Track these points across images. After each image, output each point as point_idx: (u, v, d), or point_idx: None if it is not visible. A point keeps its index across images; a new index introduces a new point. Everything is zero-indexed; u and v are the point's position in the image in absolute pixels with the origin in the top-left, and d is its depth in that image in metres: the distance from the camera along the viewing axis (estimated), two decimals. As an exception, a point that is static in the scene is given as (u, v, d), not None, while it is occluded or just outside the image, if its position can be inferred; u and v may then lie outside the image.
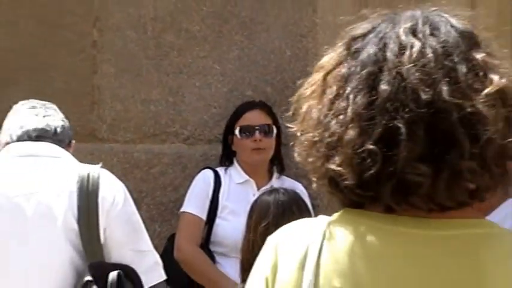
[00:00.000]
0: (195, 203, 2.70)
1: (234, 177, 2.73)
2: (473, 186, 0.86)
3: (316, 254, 0.93)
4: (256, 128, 2.70)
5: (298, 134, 0.97)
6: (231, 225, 2.63)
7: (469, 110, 0.84)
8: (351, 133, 0.87)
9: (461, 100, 0.85)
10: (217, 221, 2.72)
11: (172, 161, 2.91)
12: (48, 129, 2.27)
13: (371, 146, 0.86)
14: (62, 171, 2.19)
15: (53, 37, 3.13)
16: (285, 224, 1.69)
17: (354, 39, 0.93)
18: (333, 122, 0.89)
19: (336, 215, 0.96)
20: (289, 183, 2.63)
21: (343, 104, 0.89)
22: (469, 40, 0.90)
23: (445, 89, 0.85)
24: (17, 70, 3.15)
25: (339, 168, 0.88)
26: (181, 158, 2.92)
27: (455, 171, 0.85)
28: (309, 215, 2.28)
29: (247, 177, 2.70)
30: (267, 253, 1.02)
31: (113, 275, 2.12)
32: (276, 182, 2.66)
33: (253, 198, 2.48)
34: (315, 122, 0.93)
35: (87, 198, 2.18)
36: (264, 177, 2.71)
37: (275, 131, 2.69)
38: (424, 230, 0.89)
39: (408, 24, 0.91)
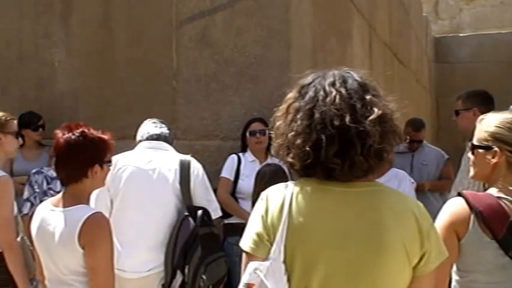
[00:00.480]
0: (227, 172, 3.70)
1: (247, 158, 3.72)
2: (363, 168, 1.36)
3: (288, 202, 1.39)
4: (257, 131, 3.69)
5: (273, 138, 1.47)
6: (246, 183, 3.58)
7: (361, 128, 1.34)
8: (298, 141, 1.37)
9: (356, 124, 1.34)
10: (239, 181, 3.68)
11: (216, 150, 3.92)
12: (162, 134, 3.19)
13: (308, 148, 1.35)
14: (170, 157, 3.06)
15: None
16: (274, 182, 2.94)
17: (303, 86, 1.46)
18: (290, 134, 1.40)
19: (297, 181, 1.43)
20: (276, 160, 2.92)
21: (295, 124, 1.39)
22: (364, 87, 1.41)
23: (348, 118, 1.35)
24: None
25: (292, 160, 1.39)
26: (220, 148, 3.91)
27: (352, 161, 1.35)
28: (287, 178, 2.91)
29: (254, 157, 3.71)
30: (261, 201, 1.45)
31: (199, 212, 2.98)
32: (269, 159, 3.57)
33: (258, 168, 3.41)
34: (281, 132, 1.44)
35: (184, 172, 3.00)
36: (263, 157, 3.70)
37: (267, 132, 3.57)
38: (343, 187, 1.39)
39: (330, 80, 1.41)
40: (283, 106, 1.47)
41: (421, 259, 1.39)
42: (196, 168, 3.07)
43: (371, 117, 1.36)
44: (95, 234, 2.06)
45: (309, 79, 1.47)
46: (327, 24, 4.57)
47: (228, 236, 3.47)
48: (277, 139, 1.45)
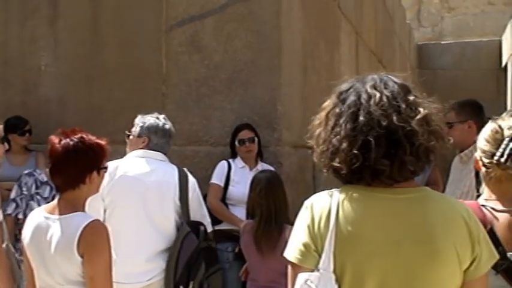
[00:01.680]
0: (217, 178, 3.67)
1: (237, 164, 3.70)
2: (412, 169, 1.35)
3: (335, 209, 1.37)
4: (246, 140, 3.67)
5: (314, 146, 1.44)
6: (237, 190, 3.61)
7: (408, 128, 1.34)
8: (344, 145, 1.36)
9: (403, 123, 1.34)
10: (229, 187, 3.65)
11: (206, 155, 3.91)
12: (171, 129, 3.17)
13: (356, 151, 1.34)
14: (168, 170, 3.02)
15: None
16: (270, 188, 3.12)
17: (341, 92, 1.44)
18: (334, 139, 1.38)
19: (342, 188, 1.41)
20: (266, 165, 3.64)
21: (338, 129, 1.38)
22: (405, 89, 1.41)
23: (394, 118, 1.34)
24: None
25: (338, 165, 1.37)
26: (210, 154, 3.89)
27: (402, 162, 1.34)
28: (282, 184, 3.21)
29: (244, 164, 3.70)
30: (306, 210, 1.42)
31: (201, 227, 3.01)
32: (259, 165, 3.66)
33: (248, 175, 3.51)
34: (322, 140, 1.42)
35: (183, 187, 2.99)
36: (253, 164, 3.70)
37: (256, 139, 3.67)
38: (391, 194, 1.37)
39: (371, 83, 1.41)
40: (321, 114, 1.46)
41: (471, 263, 1.37)
42: (193, 183, 3.08)
43: (418, 117, 1.36)
44: (95, 242, 2.02)
45: (346, 85, 1.45)
46: (316, 31, 4.59)
47: (218, 242, 3.44)
48: (319, 146, 1.44)
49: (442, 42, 12.20)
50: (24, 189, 3.57)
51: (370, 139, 1.33)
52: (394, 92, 1.39)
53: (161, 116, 3.18)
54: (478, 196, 3.04)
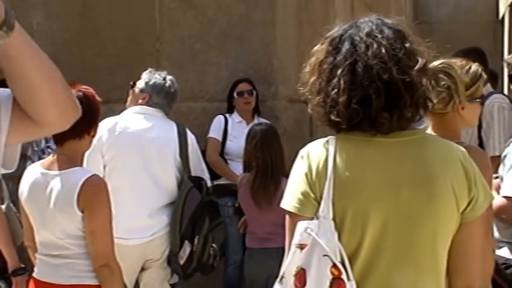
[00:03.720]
0: (215, 132, 3.71)
1: (234, 118, 3.75)
2: (411, 118, 1.36)
3: (332, 156, 1.34)
4: (245, 92, 3.72)
5: (308, 95, 1.40)
6: (234, 144, 3.65)
7: (408, 80, 1.32)
8: (343, 98, 1.32)
9: (403, 76, 1.32)
10: (227, 142, 3.72)
11: (201, 111, 3.95)
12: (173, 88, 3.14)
13: (355, 106, 1.32)
14: (167, 126, 3.03)
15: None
16: (265, 141, 3.20)
17: (333, 39, 1.38)
18: (331, 92, 1.33)
19: (337, 136, 1.38)
20: (263, 120, 3.66)
21: (336, 81, 1.33)
22: (400, 34, 1.37)
23: (394, 70, 1.31)
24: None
25: (338, 119, 1.34)
26: (206, 110, 3.94)
27: (401, 114, 1.34)
28: (278, 137, 3.24)
29: (241, 118, 3.75)
30: (301, 160, 1.39)
31: (203, 182, 3.03)
32: (256, 120, 3.70)
33: (245, 129, 3.50)
34: (317, 90, 1.37)
35: (182, 143, 3.00)
36: (249, 118, 3.74)
37: (254, 93, 3.73)
38: (388, 138, 1.36)
39: (366, 30, 1.36)
40: (313, 60, 1.40)
41: (468, 204, 1.37)
42: (191, 139, 3.08)
43: (416, 67, 1.34)
44: (95, 197, 2.03)
45: (339, 31, 1.39)
46: (310, -17, 4.52)
47: (218, 197, 3.42)
48: (314, 97, 1.39)
49: (438, -6, 12.03)
50: (34, 145, 3.55)
51: (370, 93, 1.32)
52: (390, 40, 1.35)
53: (169, 77, 3.14)
54: (481, 144, 3.10)
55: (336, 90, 1.33)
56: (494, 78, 4.33)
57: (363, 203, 1.34)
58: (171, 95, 3.11)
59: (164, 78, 3.11)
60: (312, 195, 1.35)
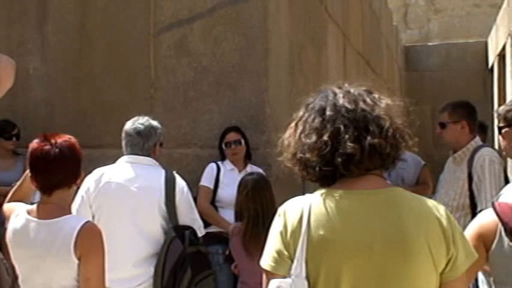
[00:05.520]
0: (207, 180, 3.71)
1: (226, 166, 3.74)
2: (382, 153, 1.35)
3: (307, 214, 1.36)
4: (232, 142, 3.73)
5: (284, 154, 1.46)
6: (226, 192, 3.64)
7: (375, 113, 1.38)
8: (313, 137, 1.39)
9: (370, 108, 1.39)
10: (219, 189, 3.69)
11: (194, 158, 3.94)
12: (137, 128, 3.07)
13: (326, 138, 1.36)
14: (154, 174, 2.99)
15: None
16: (257, 191, 3.22)
17: (309, 103, 1.48)
18: (303, 137, 1.41)
19: (314, 193, 1.41)
20: (255, 167, 3.70)
21: (307, 127, 1.41)
22: (368, 90, 1.47)
23: (361, 104, 1.39)
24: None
25: (308, 156, 1.38)
26: (199, 156, 3.92)
27: (371, 145, 1.35)
28: (270, 187, 3.26)
29: (233, 166, 3.74)
30: (278, 217, 1.42)
31: (187, 232, 2.95)
32: (248, 167, 3.71)
33: (237, 177, 3.54)
34: (292, 145, 1.45)
35: (170, 191, 2.95)
36: (241, 166, 3.75)
37: (243, 141, 3.73)
38: (363, 195, 1.38)
39: (336, 86, 1.48)
40: (291, 125, 1.49)
41: (447, 264, 1.36)
42: (181, 186, 3.05)
43: (383, 105, 1.41)
44: (91, 244, 2.05)
45: (311, 98, 1.50)
46: (303, 33, 4.62)
47: (208, 245, 3.40)
48: (289, 150, 1.45)
49: (429, 44, 12.31)
50: None
51: (339, 126, 1.36)
52: (359, 90, 1.45)
53: (142, 118, 3.14)
54: (472, 197, 3.17)
55: (306, 132, 1.40)
56: (484, 130, 4.41)
57: (336, 262, 1.33)
58: (142, 133, 3.06)
59: (136, 120, 3.13)
60: (286, 253, 1.37)
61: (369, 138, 1.36)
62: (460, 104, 3.50)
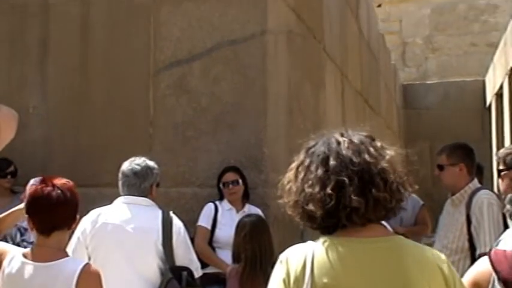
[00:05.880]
0: (204, 220, 3.70)
1: (224, 206, 3.74)
2: (386, 206, 1.37)
3: (310, 262, 1.36)
4: (230, 182, 3.73)
5: (286, 200, 1.45)
6: (224, 232, 3.62)
7: (380, 166, 1.38)
8: (317, 188, 1.37)
9: (375, 160, 1.39)
10: (216, 230, 3.68)
11: (192, 197, 3.92)
12: (134, 169, 3.10)
13: (329, 191, 1.36)
14: (151, 215, 3.00)
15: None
16: (255, 233, 3.22)
17: (309, 148, 1.47)
18: (306, 186, 1.40)
19: (317, 241, 1.40)
20: (253, 207, 3.71)
21: (310, 176, 1.40)
22: (370, 137, 1.47)
23: (366, 156, 1.38)
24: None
25: (312, 208, 1.37)
26: (197, 195, 3.91)
27: (376, 199, 1.36)
28: (268, 229, 3.28)
29: (231, 206, 3.74)
30: (280, 264, 1.41)
31: (184, 273, 2.94)
32: (246, 207, 3.71)
33: (235, 217, 3.57)
34: (294, 192, 1.44)
35: (167, 232, 2.96)
36: (239, 205, 3.74)
37: (240, 181, 3.73)
38: (365, 244, 1.38)
39: (338, 133, 1.47)
40: (292, 169, 1.48)
41: None
42: (178, 227, 3.04)
43: (387, 157, 1.40)
44: (93, 286, 2.06)
45: (312, 142, 1.49)
46: (301, 73, 4.66)
47: (205, 286, 3.41)
48: (290, 197, 1.44)
49: (427, 82, 12.41)
50: (8, 239, 3.50)
51: (344, 178, 1.35)
52: (361, 138, 1.44)
53: (139, 159, 3.15)
54: (471, 239, 3.13)
55: (310, 182, 1.39)
56: (481, 172, 4.39)
57: None
58: (138, 173, 3.07)
59: (132, 161, 3.13)
60: None
61: (373, 191, 1.36)
62: (458, 146, 3.51)
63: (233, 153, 3.91)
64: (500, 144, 9.80)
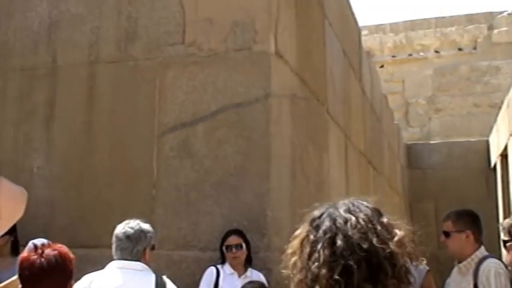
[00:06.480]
0: (205, 285, 3.67)
1: (226, 270, 3.71)
2: None
3: None
4: (233, 246, 3.72)
5: (290, 274, 1.40)
6: None
7: (388, 250, 1.32)
8: (324, 271, 1.32)
9: (383, 245, 1.33)
10: (218, 295, 3.63)
11: (194, 260, 3.89)
12: (126, 233, 3.11)
13: (337, 277, 1.30)
14: (145, 281, 2.98)
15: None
16: None
17: (314, 219, 1.42)
18: (312, 267, 1.34)
19: None
20: (255, 272, 3.70)
21: (317, 255, 1.35)
22: (377, 212, 1.42)
23: (374, 240, 1.33)
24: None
25: None
26: (198, 259, 3.88)
27: (384, 286, 1.31)
28: None
29: (232, 270, 3.71)
30: None
31: None
32: (248, 271, 3.69)
33: (237, 282, 3.56)
34: (299, 268, 1.38)
35: None
36: (242, 270, 3.71)
37: (244, 245, 3.71)
38: None
39: (344, 208, 1.41)
40: (295, 242, 1.44)
41: None
42: None
43: (396, 239, 1.36)
44: None
45: (318, 212, 1.45)
46: (305, 135, 4.69)
47: None
48: (296, 275, 1.40)
49: (431, 142, 12.45)
50: None
51: (351, 263, 1.31)
52: (368, 214, 1.40)
53: (133, 222, 3.14)
54: None
55: (316, 263, 1.34)
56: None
57: None
58: (131, 237, 3.06)
59: (127, 224, 3.13)
60: None
61: (381, 276, 1.32)
62: (464, 213, 3.48)
63: (236, 216, 3.89)
64: (506, 204, 9.74)
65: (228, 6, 4.15)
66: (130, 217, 3.63)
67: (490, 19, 14.89)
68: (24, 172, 4.46)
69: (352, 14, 7.34)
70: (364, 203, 1.44)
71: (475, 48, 14.38)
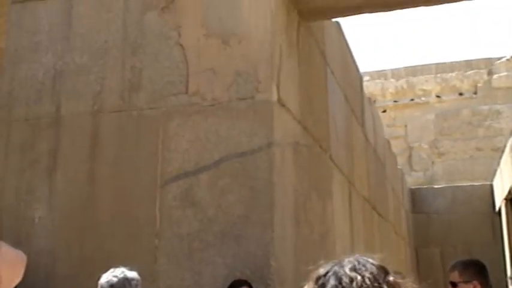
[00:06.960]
0: None
1: (231, 321, 3.63)
2: None
3: None
4: None
5: None
6: None
7: None
8: None
9: None
10: None
11: (197, 312, 3.84)
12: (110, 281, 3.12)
13: None
14: None
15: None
16: None
17: (319, 277, 1.39)
18: None
19: None
20: None
21: None
22: (383, 269, 1.39)
23: None
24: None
25: None
26: (202, 309, 3.83)
27: None
28: None
29: (240, 313, 3.62)
30: None
31: None
32: None
33: None
34: None
35: None
36: (247, 320, 3.64)
37: None
38: None
39: (350, 266, 1.38)
40: None
41: None
42: None
43: None
44: None
45: (323, 270, 1.42)
46: (308, 183, 4.69)
47: None
48: None
49: (435, 186, 12.40)
50: None
51: None
52: (374, 273, 1.37)
53: (118, 270, 3.13)
54: None
55: None
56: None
57: None
58: (116, 286, 3.05)
59: (112, 273, 3.11)
60: None
61: None
62: (471, 263, 3.44)
63: (239, 266, 3.86)
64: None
65: (231, 57, 4.21)
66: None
67: (489, 64, 15.05)
68: (25, 222, 4.44)
69: (354, 60, 7.43)
70: (370, 260, 1.42)
71: (475, 93, 14.50)
